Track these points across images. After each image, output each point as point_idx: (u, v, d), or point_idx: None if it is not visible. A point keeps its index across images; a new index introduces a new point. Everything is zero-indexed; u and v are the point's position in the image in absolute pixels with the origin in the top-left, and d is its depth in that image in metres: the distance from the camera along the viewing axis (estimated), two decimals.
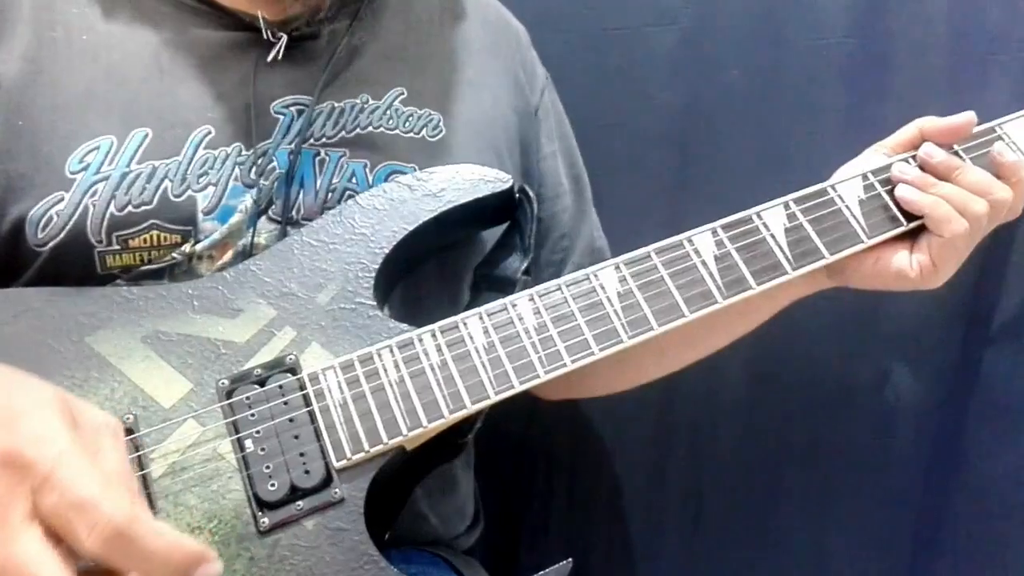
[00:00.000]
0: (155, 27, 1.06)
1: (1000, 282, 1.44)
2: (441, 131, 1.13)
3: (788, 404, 1.29)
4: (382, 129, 1.10)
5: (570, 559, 0.92)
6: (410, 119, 1.12)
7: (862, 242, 1.04)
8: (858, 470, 1.51)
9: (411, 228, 1.00)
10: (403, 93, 1.12)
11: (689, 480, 1.56)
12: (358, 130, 1.09)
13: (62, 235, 0.97)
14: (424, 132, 1.12)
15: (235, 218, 1.02)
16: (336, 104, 1.08)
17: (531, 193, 1.08)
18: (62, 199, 0.97)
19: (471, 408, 0.92)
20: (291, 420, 0.90)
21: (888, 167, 1.08)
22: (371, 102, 1.10)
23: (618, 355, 1.00)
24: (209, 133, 1.03)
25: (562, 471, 1.59)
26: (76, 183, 0.98)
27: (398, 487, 1.01)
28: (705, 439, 1.52)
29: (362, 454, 0.89)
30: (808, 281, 1.11)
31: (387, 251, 0.99)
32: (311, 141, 1.06)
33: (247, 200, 1.02)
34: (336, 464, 0.89)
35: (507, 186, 1.04)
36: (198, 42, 1.06)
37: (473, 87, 1.19)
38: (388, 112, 1.11)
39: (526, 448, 1.45)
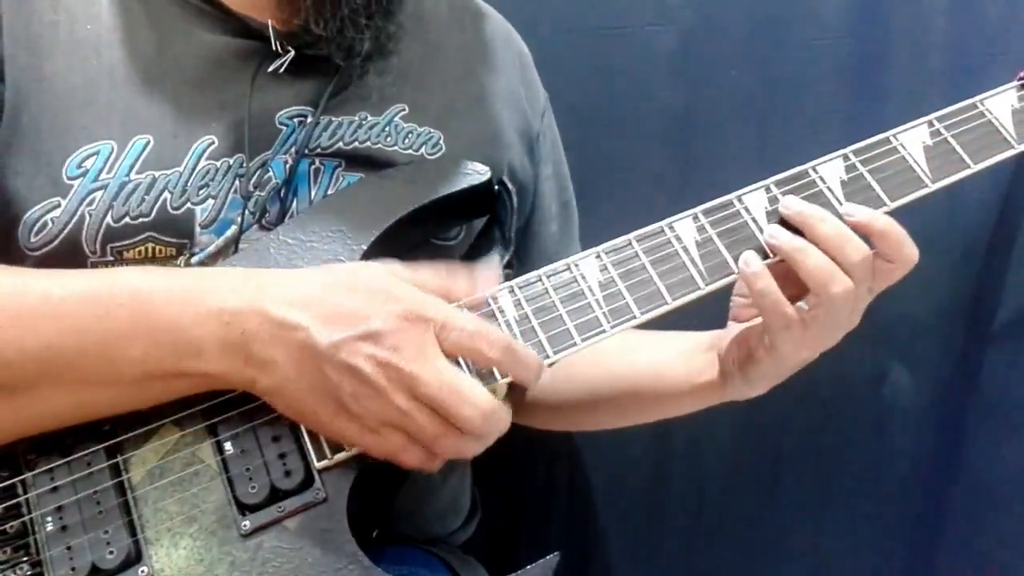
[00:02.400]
0: (161, 25, 1.04)
1: (1000, 282, 1.43)
2: (441, 149, 1.12)
3: (788, 404, 1.29)
4: (380, 145, 1.09)
5: (557, 553, 0.93)
6: (409, 136, 1.11)
7: None
8: (857, 470, 1.51)
9: (388, 223, 0.99)
10: (404, 110, 1.11)
11: (689, 480, 1.56)
12: (356, 144, 1.08)
13: (56, 243, 0.96)
14: (423, 150, 1.11)
15: (231, 231, 1.01)
16: (333, 119, 1.07)
17: (510, 186, 1.07)
18: (58, 205, 0.96)
19: None
20: (271, 422, 0.90)
21: (870, 146, 1.04)
22: (369, 119, 1.09)
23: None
24: (212, 144, 1.01)
25: (562, 469, 1.59)
26: (73, 190, 0.96)
27: (383, 485, 1.01)
28: (705, 439, 1.52)
29: (343, 453, 0.89)
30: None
31: (365, 247, 0.97)
32: (306, 150, 1.05)
33: (243, 212, 1.01)
34: (317, 464, 0.89)
35: (485, 179, 1.03)
36: (204, 46, 1.04)
37: (475, 107, 1.18)
38: (387, 129, 1.10)
39: (526, 446, 1.46)
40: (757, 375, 1.04)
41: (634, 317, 0.95)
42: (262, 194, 1.03)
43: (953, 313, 1.46)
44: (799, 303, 0.97)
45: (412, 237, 1.05)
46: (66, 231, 0.96)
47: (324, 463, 0.89)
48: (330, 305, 0.87)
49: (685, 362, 1.14)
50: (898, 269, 0.97)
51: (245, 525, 0.87)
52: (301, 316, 0.86)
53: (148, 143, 0.99)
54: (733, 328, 1.09)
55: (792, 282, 0.96)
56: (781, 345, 0.98)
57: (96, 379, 0.87)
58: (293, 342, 0.85)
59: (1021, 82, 1.08)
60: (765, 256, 0.97)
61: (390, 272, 0.91)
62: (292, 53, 1.05)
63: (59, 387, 0.87)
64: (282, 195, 1.04)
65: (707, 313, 1.11)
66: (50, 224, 0.96)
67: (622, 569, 1.59)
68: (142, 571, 0.85)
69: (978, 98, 1.07)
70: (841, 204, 1.00)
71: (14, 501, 0.86)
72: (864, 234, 0.97)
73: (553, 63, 1.34)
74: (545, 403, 1.27)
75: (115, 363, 0.86)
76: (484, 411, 0.87)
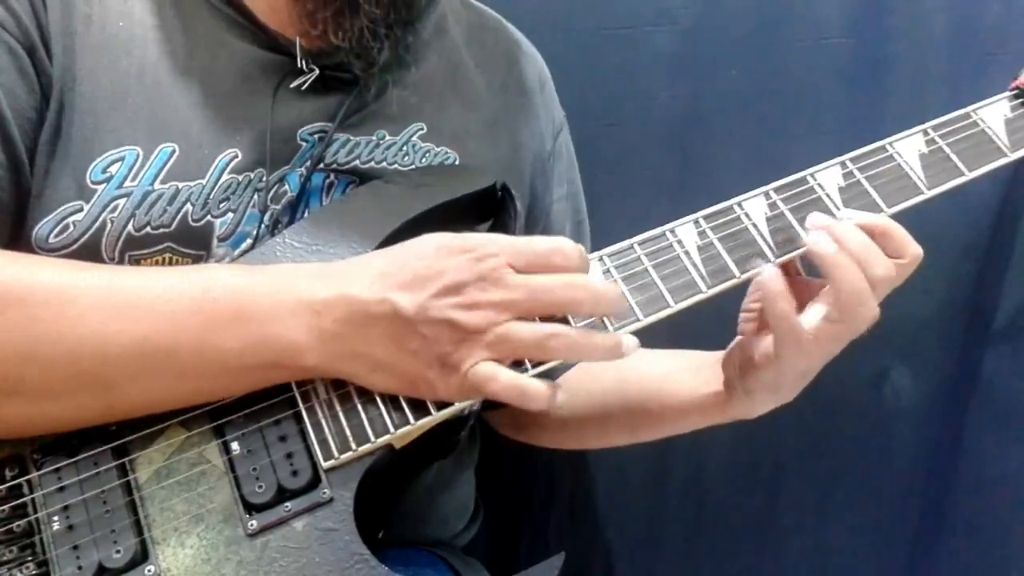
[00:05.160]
0: (191, 29, 1.03)
1: (1000, 282, 1.43)
2: None
3: (788, 404, 1.29)
4: (396, 165, 1.09)
5: (562, 552, 0.92)
6: (427, 155, 1.11)
7: None
8: (858, 470, 1.51)
9: (394, 228, 0.99)
10: (422, 129, 1.11)
11: (690, 481, 1.56)
12: (372, 163, 1.08)
13: (75, 246, 0.95)
14: None
15: (246, 244, 1.01)
16: (352, 137, 1.07)
17: (513, 191, 1.07)
18: (81, 209, 0.95)
19: (458, 405, 0.92)
20: (278, 422, 0.90)
21: (867, 154, 1.04)
22: (387, 138, 1.09)
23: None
24: (235, 157, 1.00)
25: (563, 470, 1.59)
26: (97, 195, 0.95)
27: (390, 485, 1.01)
28: (706, 439, 1.51)
29: (350, 453, 0.89)
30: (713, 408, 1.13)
31: (370, 251, 0.96)
32: (322, 165, 1.05)
33: (259, 226, 1.02)
34: (324, 464, 0.88)
35: (489, 184, 1.03)
36: (233, 55, 1.03)
37: (492, 128, 1.18)
38: (404, 148, 1.10)
39: (528, 447, 1.46)
40: (756, 383, 1.04)
41: (637, 320, 0.95)
42: (277, 207, 1.03)
43: (953, 313, 1.46)
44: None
45: None
46: (87, 236, 0.95)
47: (331, 463, 0.89)
48: (405, 272, 0.88)
49: (693, 375, 1.15)
50: (906, 268, 0.97)
51: (252, 525, 0.86)
52: (383, 291, 0.88)
53: (174, 152, 0.98)
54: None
55: (795, 295, 0.97)
56: (786, 358, 0.98)
57: (192, 371, 0.87)
58: (383, 317, 0.87)
59: (1013, 92, 1.09)
60: (765, 261, 0.98)
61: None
62: (316, 72, 1.04)
63: (155, 379, 0.87)
64: (294, 207, 1.04)
65: (718, 335, 1.12)
66: (71, 227, 0.95)
67: (623, 570, 1.59)
68: (149, 570, 0.84)
69: (971, 108, 1.08)
70: (839, 209, 1.00)
71: (21, 500, 0.86)
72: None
73: (553, 63, 1.34)
74: (553, 418, 1.27)
75: (213, 355, 0.87)
76: (575, 282, 0.90)
